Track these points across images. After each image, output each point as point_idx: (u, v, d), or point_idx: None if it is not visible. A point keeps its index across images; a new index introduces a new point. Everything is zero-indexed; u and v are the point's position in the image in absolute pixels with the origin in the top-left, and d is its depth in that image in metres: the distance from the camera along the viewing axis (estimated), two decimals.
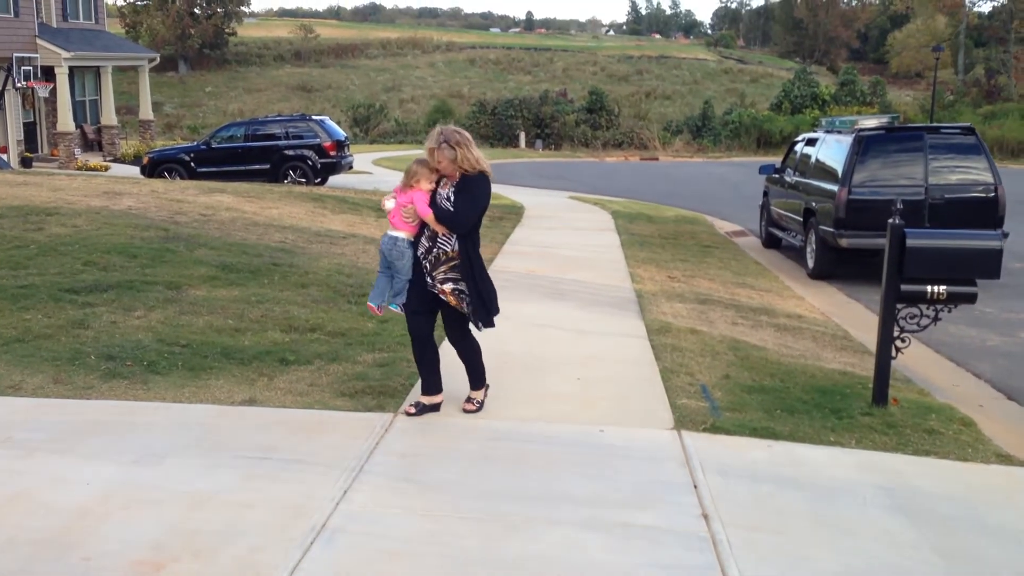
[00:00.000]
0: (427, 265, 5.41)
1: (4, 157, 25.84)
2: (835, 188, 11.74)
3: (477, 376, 5.67)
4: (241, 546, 3.78)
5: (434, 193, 5.36)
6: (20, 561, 3.55)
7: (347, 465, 4.68)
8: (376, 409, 5.60)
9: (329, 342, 7.04)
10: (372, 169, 29.24)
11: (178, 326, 7.07)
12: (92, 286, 7.91)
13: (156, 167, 21.82)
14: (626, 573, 3.76)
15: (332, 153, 21.86)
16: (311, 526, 3.99)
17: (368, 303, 5.55)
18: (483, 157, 5.39)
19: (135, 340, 6.64)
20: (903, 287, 6.02)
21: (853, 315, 10.10)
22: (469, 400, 5.65)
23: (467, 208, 5.32)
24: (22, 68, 25.11)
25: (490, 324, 5.52)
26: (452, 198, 5.32)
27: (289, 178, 21.41)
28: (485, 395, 5.69)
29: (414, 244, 5.44)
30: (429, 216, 5.27)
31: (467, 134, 5.37)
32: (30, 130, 28.75)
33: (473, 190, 5.33)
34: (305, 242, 11.00)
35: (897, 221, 5.98)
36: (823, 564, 3.95)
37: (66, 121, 27.75)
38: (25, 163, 26.80)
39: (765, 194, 15.42)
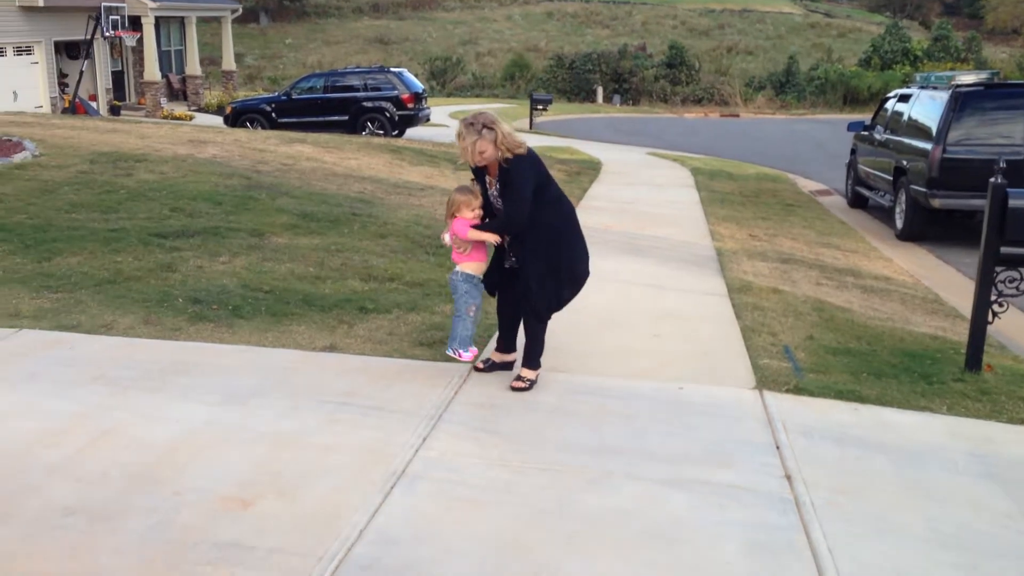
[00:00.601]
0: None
1: (93, 105, 26.54)
2: (929, 146, 11.30)
3: (534, 352, 5.27)
4: (324, 487, 3.84)
5: (485, 196, 5.20)
6: (114, 493, 3.67)
7: (426, 413, 4.71)
8: (454, 359, 5.60)
9: (408, 292, 7.08)
10: (448, 122, 29.21)
11: (261, 272, 7.18)
12: (179, 231, 8.08)
13: (239, 117, 22.17)
14: (707, 531, 3.71)
15: (410, 105, 21.90)
16: (391, 471, 4.03)
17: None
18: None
19: (220, 285, 6.76)
20: (1003, 250, 5.77)
21: (944, 278, 9.77)
22: (519, 378, 5.22)
23: (515, 205, 5.08)
24: (110, 17, 25.63)
25: (544, 313, 5.26)
26: (500, 186, 5.17)
27: (367, 129, 21.54)
28: (537, 378, 5.26)
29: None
30: (478, 236, 5.11)
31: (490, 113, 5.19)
32: (118, 79, 29.45)
33: (515, 179, 5.08)
34: (383, 193, 11.05)
35: (999, 181, 5.73)
36: (910, 529, 3.85)
37: (152, 70, 28.33)
38: (113, 111, 27.50)
39: (853, 152, 14.95)
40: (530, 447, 4.41)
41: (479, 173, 5.25)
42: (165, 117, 26.78)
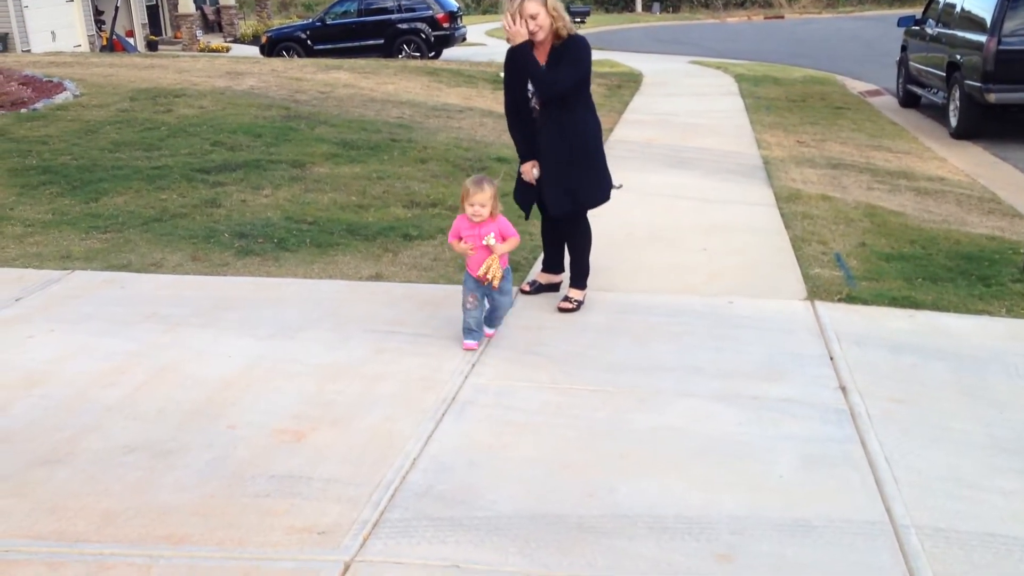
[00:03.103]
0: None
1: (131, 41, 26.52)
2: (983, 39, 10.82)
3: (581, 272, 5.19)
4: (375, 416, 3.88)
5: (524, 85, 4.83)
6: (171, 430, 3.74)
7: None
8: None
9: (450, 217, 7.00)
10: (485, 40, 28.72)
11: (304, 203, 7.19)
12: (221, 166, 8.10)
13: (274, 46, 22.01)
14: (761, 445, 3.68)
15: (445, 25, 21.54)
16: (441, 398, 4.05)
17: (467, 342, 4.65)
18: None
19: (264, 218, 6.79)
20: None
21: (1001, 176, 9.45)
22: (567, 299, 5.15)
23: (568, 74, 4.75)
24: None
25: (565, 208, 5.05)
26: (553, 68, 4.77)
27: (403, 52, 21.28)
28: (584, 298, 5.18)
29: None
30: (510, 240, 4.63)
31: None
32: (153, 13, 29.35)
33: (574, 56, 4.75)
34: (422, 117, 10.94)
35: None
36: (969, 436, 3.78)
37: (186, 2, 28.16)
38: (150, 46, 27.47)
39: (903, 49, 14.40)
40: (579, 368, 4.40)
41: (518, 58, 4.76)
42: (202, 50, 26.70)
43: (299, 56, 21.02)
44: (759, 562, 2.93)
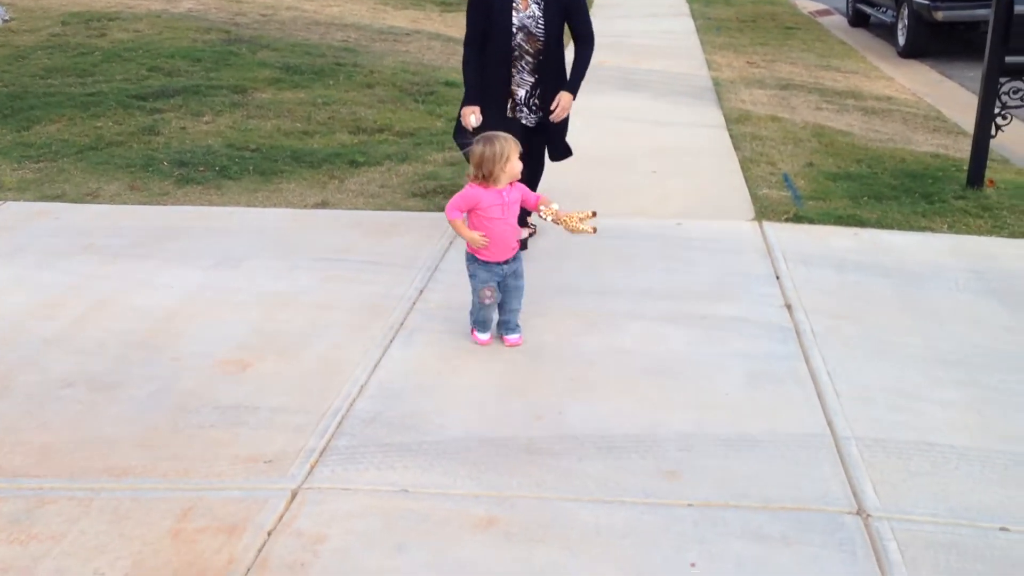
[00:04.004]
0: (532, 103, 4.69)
1: None
2: None
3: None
4: (323, 345, 3.83)
5: (507, 14, 4.45)
6: (112, 363, 3.66)
7: (422, 264, 4.67)
8: None
9: (398, 142, 6.91)
10: None
11: (246, 130, 7.00)
12: (159, 92, 7.84)
13: None
14: (708, 364, 3.71)
15: None
16: (389, 325, 4.01)
17: (480, 336, 3.93)
18: None
19: (205, 145, 6.60)
20: (1008, 59, 5.57)
21: (947, 94, 9.51)
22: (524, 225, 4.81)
23: (589, 23, 4.67)
24: None
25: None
26: (543, 8, 4.48)
27: None
28: (535, 228, 5.00)
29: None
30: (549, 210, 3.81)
31: None
32: None
33: None
34: (368, 40, 10.66)
35: None
36: (910, 350, 3.85)
37: None
38: None
39: None
40: (529, 292, 4.36)
41: None
42: None
43: None
44: (705, 477, 2.98)
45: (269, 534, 2.68)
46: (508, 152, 3.64)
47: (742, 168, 6.33)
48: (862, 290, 4.44)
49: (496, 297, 3.81)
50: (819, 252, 4.87)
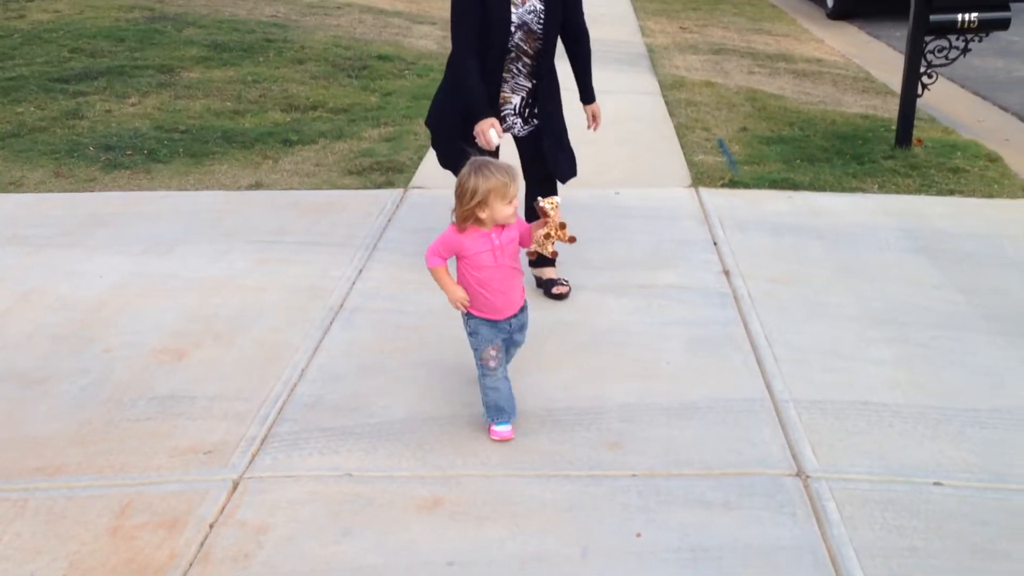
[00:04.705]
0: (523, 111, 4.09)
1: None
2: None
3: None
4: (260, 328, 3.77)
5: (505, 10, 3.78)
6: (41, 357, 3.56)
7: (360, 243, 4.61)
8: (385, 185, 5.46)
9: (332, 119, 6.81)
10: None
11: (175, 111, 6.83)
12: (82, 74, 7.60)
13: None
14: (649, 333, 3.74)
15: None
16: (329, 306, 3.97)
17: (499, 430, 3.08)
18: None
19: (132, 128, 6.43)
20: (932, 17, 5.66)
21: (876, 55, 9.65)
22: (561, 283, 4.13)
23: (582, 15, 4.13)
24: None
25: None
26: (546, 1, 3.87)
27: None
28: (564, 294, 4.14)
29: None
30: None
31: None
32: None
33: None
34: (298, 15, 10.45)
35: None
36: (844, 309, 3.92)
37: None
38: None
39: None
40: None
41: None
42: None
43: None
44: (648, 447, 3.00)
45: (211, 527, 2.64)
46: (504, 189, 2.85)
47: (678, 134, 6.36)
48: (797, 253, 4.50)
49: (501, 358, 3.06)
50: (755, 217, 4.93)
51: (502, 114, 3.99)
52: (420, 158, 5.90)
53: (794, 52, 9.54)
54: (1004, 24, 5.78)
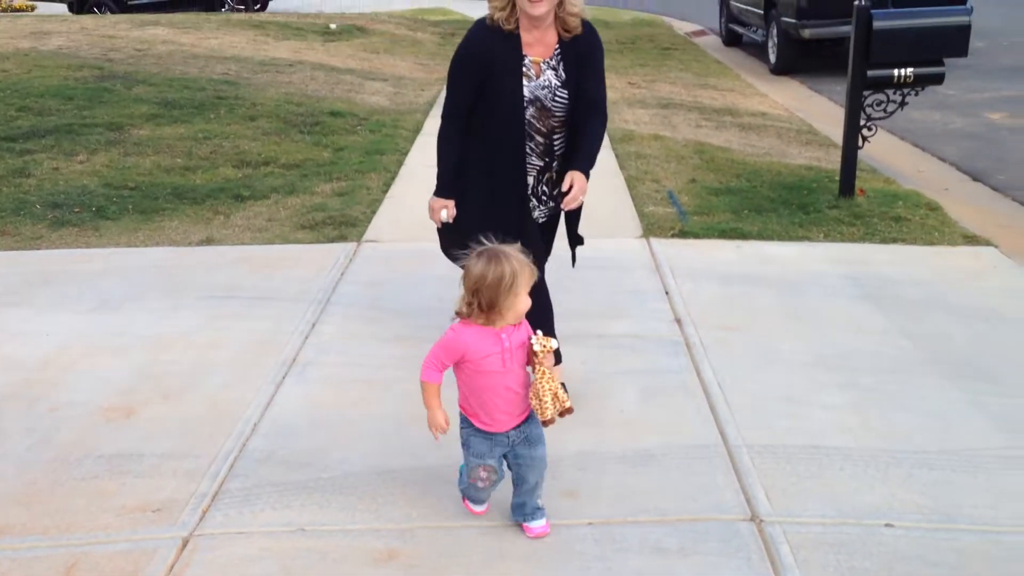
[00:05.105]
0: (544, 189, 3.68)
1: None
2: None
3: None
4: (212, 385, 3.72)
5: (516, 87, 3.32)
6: None
7: (313, 298, 4.59)
8: (338, 240, 5.46)
9: (284, 175, 6.81)
10: None
11: (124, 168, 6.79)
12: (29, 132, 7.53)
13: (84, 3, 20.55)
14: (603, 382, 3.76)
15: None
16: (281, 360, 3.93)
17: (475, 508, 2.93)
18: None
19: (80, 185, 6.37)
20: (870, 73, 5.85)
21: (817, 109, 9.94)
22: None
23: (604, 99, 3.54)
24: None
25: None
26: (564, 75, 3.38)
27: (227, 5, 20.30)
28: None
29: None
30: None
31: None
32: None
33: (600, 60, 3.47)
34: (249, 72, 10.49)
35: (863, 3, 5.75)
36: (794, 356, 3.98)
37: None
38: None
39: None
40: (424, 319, 4.35)
41: (497, 52, 3.30)
42: (4, 10, 24.69)
43: (112, 13, 19.73)
44: (604, 494, 3.00)
45: None
46: (518, 279, 2.55)
47: (628, 186, 6.47)
48: (747, 301, 4.57)
49: (496, 478, 2.77)
50: (705, 266, 5.01)
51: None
52: (373, 212, 5.92)
53: (739, 106, 9.78)
54: (938, 79, 5.99)
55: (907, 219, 5.75)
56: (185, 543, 2.76)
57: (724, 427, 3.40)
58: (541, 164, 3.56)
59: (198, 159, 7.08)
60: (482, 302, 2.57)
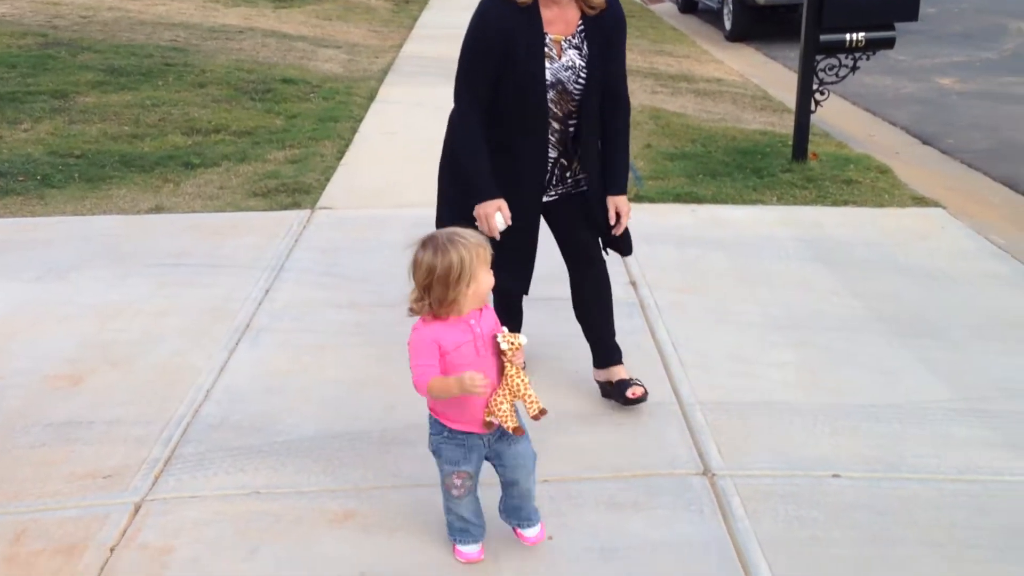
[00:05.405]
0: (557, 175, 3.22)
1: None
2: None
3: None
4: (161, 352, 3.67)
5: (535, 68, 2.95)
6: None
7: (266, 264, 4.54)
8: (292, 207, 5.40)
9: (235, 142, 6.71)
10: None
11: (69, 136, 6.64)
12: None
13: None
14: (557, 343, 3.77)
15: None
16: (234, 327, 3.89)
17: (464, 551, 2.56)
18: None
19: (24, 154, 6.22)
20: (822, 37, 5.89)
21: (772, 75, 9.99)
22: (636, 384, 3.28)
23: (624, 71, 3.15)
24: None
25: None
26: (588, 55, 2.98)
27: None
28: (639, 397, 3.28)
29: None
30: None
31: None
32: None
33: (622, 30, 3.07)
34: (198, 39, 10.29)
35: None
36: (746, 317, 4.03)
37: None
38: None
39: None
40: (379, 286, 4.33)
41: (511, 28, 2.93)
42: None
43: None
44: (560, 453, 3.01)
45: (112, 550, 2.55)
46: (472, 264, 2.32)
47: None
48: (701, 264, 4.60)
49: (471, 486, 2.48)
50: (660, 230, 5.03)
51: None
52: (327, 179, 5.86)
53: (695, 72, 9.80)
54: (889, 43, 6.05)
55: (858, 182, 5.82)
56: (137, 508, 2.73)
57: (678, 386, 3.43)
58: (556, 153, 3.12)
59: (146, 127, 6.95)
60: (432, 301, 2.34)
